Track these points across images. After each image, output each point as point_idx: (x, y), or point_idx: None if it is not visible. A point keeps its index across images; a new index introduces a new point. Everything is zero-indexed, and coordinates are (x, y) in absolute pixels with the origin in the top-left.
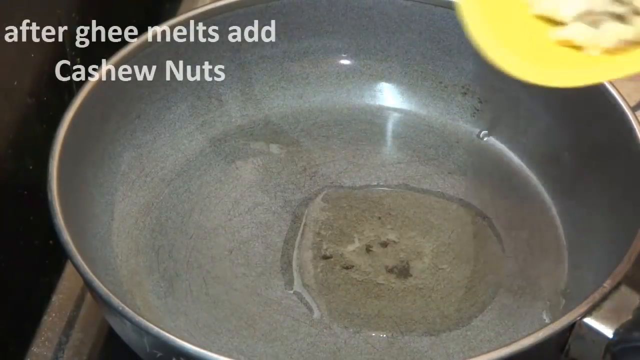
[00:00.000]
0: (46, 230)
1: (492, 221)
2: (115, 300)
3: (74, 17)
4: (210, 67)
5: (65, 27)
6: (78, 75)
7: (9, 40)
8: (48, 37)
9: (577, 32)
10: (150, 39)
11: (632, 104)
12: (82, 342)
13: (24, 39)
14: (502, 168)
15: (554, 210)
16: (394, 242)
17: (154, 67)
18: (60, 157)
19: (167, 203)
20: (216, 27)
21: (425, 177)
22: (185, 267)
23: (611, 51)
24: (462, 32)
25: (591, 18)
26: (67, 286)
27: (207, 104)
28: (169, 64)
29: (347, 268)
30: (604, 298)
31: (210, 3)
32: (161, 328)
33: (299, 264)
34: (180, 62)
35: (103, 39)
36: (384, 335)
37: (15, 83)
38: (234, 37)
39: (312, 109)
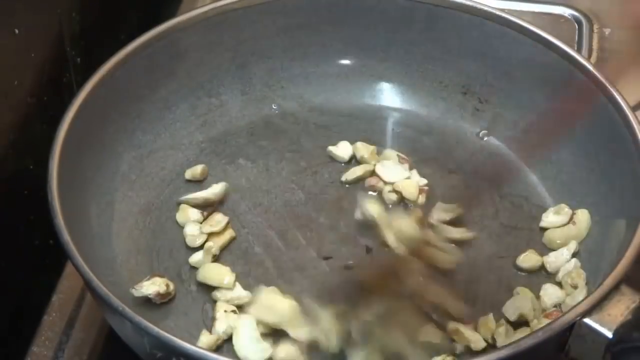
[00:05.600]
0: (46, 230)
1: (492, 221)
2: (115, 301)
3: (74, 17)
4: (211, 67)
5: (65, 27)
6: (78, 75)
7: (9, 40)
8: (48, 37)
9: None
10: (150, 39)
11: (632, 104)
12: (82, 341)
13: (24, 39)
14: (502, 168)
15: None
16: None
17: (154, 67)
18: (60, 157)
19: (167, 203)
20: (216, 27)
21: (426, 177)
22: (185, 267)
23: None
24: (462, 32)
25: None
26: (67, 286)
27: (207, 104)
28: (169, 64)
29: (347, 269)
30: (604, 298)
31: (210, 3)
32: (161, 328)
33: (300, 264)
34: (180, 62)
35: (103, 39)
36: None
37: (15, 83)
38: (234, 37)
39: (312, 109)
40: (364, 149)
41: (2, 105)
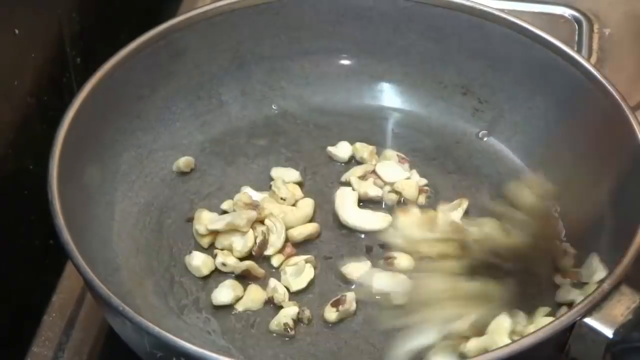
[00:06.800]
0: (46, 230)
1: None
2: (115, 300)
3: (74, 17)
4: (211, 67)
5: (65, 27)
6: (78, 75)
7: (9, 40)
8: (48, 37)
9: None
10: (150, 39)
11: (632, 104)
12: (82, 342)
13: (24, 39)
14: (502, 168)
15: (554, 210)
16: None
17: (154, 67)
18: (60, 157)
19: (167, 203)
20: (216, 27)
21: (426, 177)
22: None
23: None
24: (462, 32)
25: None
26: (67, 286)
27: (207, 104)
28: (169, 64)
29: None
30: (604, 298)
31: (210, 3)
32: (161, 328)
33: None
34: (180, 62)
35: (103, 39)
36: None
37: (15, 83)
38: (234, 37)
39: (312, 109)
40: (363, 149)
41: (2, 105)
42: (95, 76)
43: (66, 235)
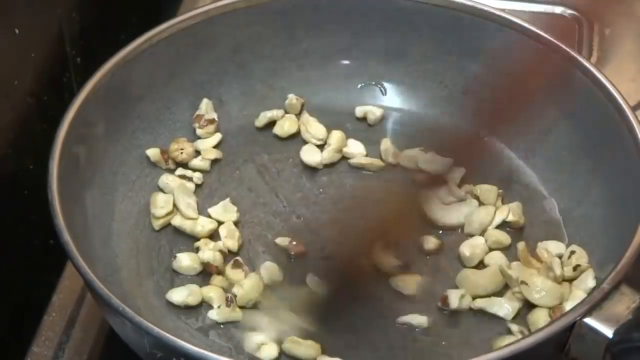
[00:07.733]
0: (46, 230)
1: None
2: (115, 301)
3: (74, 17)
4: (211, 67)
5: (66, 27)
6: (78, 75)
7: (9, 40)
8: (48, 37)
9: None
10: (150, 39)
11: (632, 103)
12: (82, 341)
13: (24, 39)
14: (502, 168)
15: (554, 210)
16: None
17: (154, 68)
18: (60, 157)
19: None
20: (216, 27)
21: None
22: None
23: None
24: (462, 32)
25: None
26: (67, 286)
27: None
28: (169, 64)
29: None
30: (604, 298)
31: (210, 3)
32: (161, 328)
33: (301, 264)
34: (180, 62)
35: (103, 39)
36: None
37: (15, 83)
38: (234, 37)
39: (312, 110)
40: (334, 137)
41: (2, 105)
42: (95, 76)
43: (66, 235)
